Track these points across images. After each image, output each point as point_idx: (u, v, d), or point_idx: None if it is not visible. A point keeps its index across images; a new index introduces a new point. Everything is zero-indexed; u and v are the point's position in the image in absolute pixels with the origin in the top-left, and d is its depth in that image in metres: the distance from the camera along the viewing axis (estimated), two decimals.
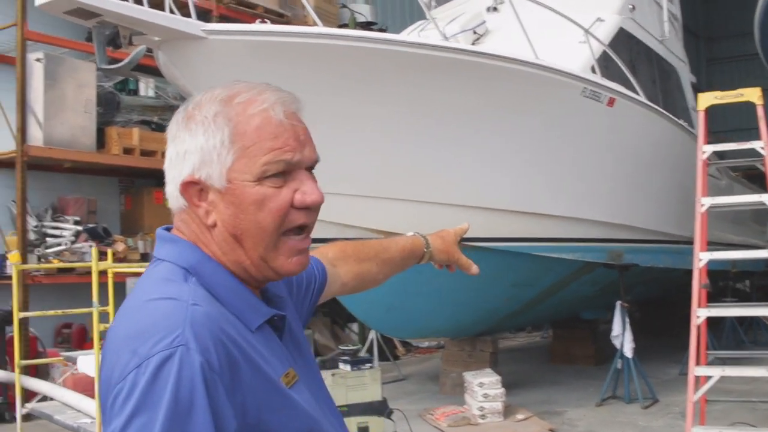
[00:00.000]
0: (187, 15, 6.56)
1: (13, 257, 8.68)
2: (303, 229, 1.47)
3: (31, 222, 9.32)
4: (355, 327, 12.26)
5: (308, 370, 1.57)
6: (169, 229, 1.52)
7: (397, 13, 16.57)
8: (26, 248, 9.05)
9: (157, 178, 11.12)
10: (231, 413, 1.27)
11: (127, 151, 9.84)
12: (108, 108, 9.96)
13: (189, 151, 1.42)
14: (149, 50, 6.68)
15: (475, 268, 2.33)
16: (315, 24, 6.91)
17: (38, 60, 9.18)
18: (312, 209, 1.46)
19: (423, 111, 7.37)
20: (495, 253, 8.02)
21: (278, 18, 11.99)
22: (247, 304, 1.44)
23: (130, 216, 10.77)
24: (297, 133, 1.45)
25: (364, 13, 14.33)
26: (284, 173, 1.42)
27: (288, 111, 1.46)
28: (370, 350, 10.39)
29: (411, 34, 9.80)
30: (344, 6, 14.32)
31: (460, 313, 8.51)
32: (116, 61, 6.29)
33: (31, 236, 9.25)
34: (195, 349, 1.25)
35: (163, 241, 1.50)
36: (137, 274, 7.84)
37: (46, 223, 9.56)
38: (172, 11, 6.87)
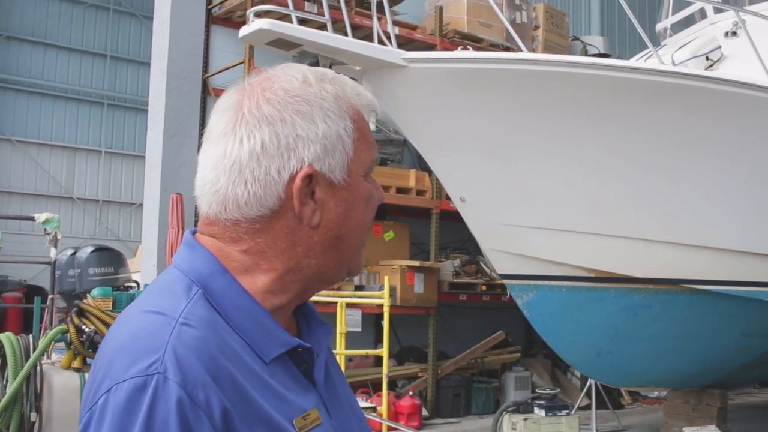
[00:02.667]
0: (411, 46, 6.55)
1: None
2: None
3: None
4: (577, 371, 11.69)
5: (341, 415, 1.33)
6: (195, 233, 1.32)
7: (636, 44, 15.86)
8: None
9: (376, 211, 11.28)
10: None
11: None
12: None
13: (304, 138, 1.22)
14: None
15: None
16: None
17: None
18: None
19: (641, 141, 6.86)
20: (722, 298, 7.28)
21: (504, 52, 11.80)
22: (263, 329, 1.21)
23: None
24: None
25: (597, 44, 13.81)
26: None
27: None
28: (588, 396, 9.82)
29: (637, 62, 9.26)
30: (576, 38, 13.89)
31: (681, 363, 7.78)
32: None
33: None
34: (174, 379, 1.05)
35: (183, 245, 1.30)
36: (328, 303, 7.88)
37: None
38: (380, 41, 6.89)
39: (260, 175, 1.21)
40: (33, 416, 6.32)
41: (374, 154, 1.32)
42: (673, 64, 7.99)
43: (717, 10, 9.32)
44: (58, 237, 9.12)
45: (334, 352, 7.34)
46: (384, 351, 7.14)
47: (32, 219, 9.53)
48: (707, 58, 8.80)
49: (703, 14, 9.71)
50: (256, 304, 1.22)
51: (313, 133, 1.22)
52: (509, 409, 6.40)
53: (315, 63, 6.04)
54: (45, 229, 9.17)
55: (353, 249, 1.30)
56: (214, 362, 1.09)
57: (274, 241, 1.24)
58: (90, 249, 14.20)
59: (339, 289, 9.46)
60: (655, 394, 11.97)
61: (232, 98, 1.27)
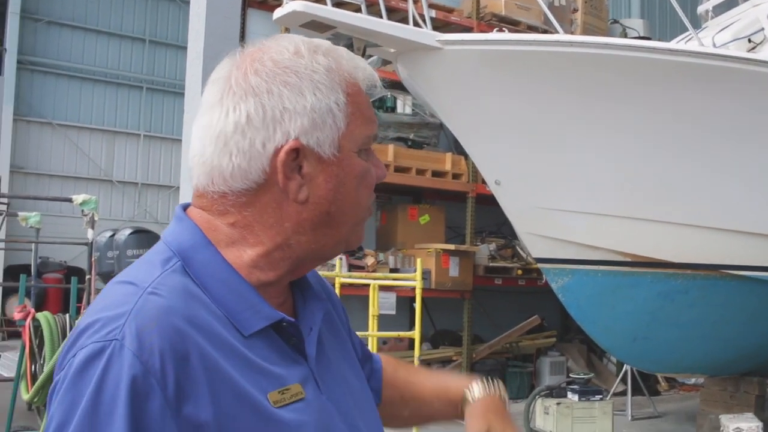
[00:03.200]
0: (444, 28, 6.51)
1: None
2: None
3: None
4: (613, 357, 11.59)
5: (335, 390, 1.30)
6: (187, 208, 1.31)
7: (677, 27, 15.61)
8: None
9: (412, 194, 11.29)
10: (172, 429, 1.05)
11: None
12: None
13: (291, 111, 1.20)
14: (386, 62, 6.70)
15: None
16: None
17: None
18: None
19: (680, 124, 6.76)
20: (761, 285, 7.16)
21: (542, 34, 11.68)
22: (245, 302, 1.20)
23: (385, 231, 10.90)
24: None
25: (637, 27, 13.62)
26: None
27: None
28: (624, 382, 9.75)
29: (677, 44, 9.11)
30: (615, 21, 13.71)
31: (718, 349, 7.67)
32: None
33: None
34: (130, 346, 1.05)
35: (173, 218, 1.30)
36: (363, 286, 7.88)
37: None
38: (416, 23, 6.85)
39: (245, 148, 1.19)
40: None
41: (371, 130, 1.27)
42: (714, 46, 7.86)
43: None
44: (95, 218, 9.22)
45: (367, 334, 7.37)
46: (416, 333, 7.13)
47: (70, 201, 9.64)
48: (749, 41, 8.63)
49: None
50: (238, 277, 1.21)
51: (301, 105, 1.19)
52: (542, 393, 6.37)
53: (349, 45, 6.03)
54: (82, 211, 9.28)
55: (347, 226, 1.27)
56: (177, 332, 1.09)
57: (261, 215, 1.22)
58: (128, 231, 14.42)
59: (374, 271, 9.47)
60: (693, 380, 11.85)
61: (223, 69, 1.26)
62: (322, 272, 8.32)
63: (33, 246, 12.77)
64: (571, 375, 6.95)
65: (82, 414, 1.03)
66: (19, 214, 11.58)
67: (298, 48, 1.24)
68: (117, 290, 1.15)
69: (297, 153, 1.20)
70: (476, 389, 1.56)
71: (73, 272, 15.61)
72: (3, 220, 14.56)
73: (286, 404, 1.17)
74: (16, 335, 11.43)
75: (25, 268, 14.92)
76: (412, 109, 10.72)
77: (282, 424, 1.15)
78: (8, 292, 16.89)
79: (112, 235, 14.50)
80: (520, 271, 11.05)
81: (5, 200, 15.68)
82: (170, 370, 1.06)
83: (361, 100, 1.26)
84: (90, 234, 9.40)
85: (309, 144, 1.20)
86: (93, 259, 9.54)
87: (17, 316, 7.26)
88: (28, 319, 7.05)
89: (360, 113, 1.25)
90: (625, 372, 9.70)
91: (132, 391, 1.03)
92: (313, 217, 1.23)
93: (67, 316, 6.95)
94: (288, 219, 1.22)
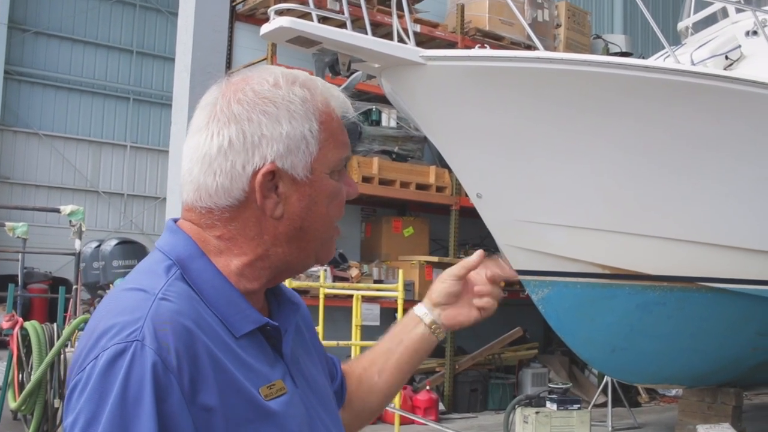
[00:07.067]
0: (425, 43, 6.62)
1: None
2: None
3: None
4: (595, 369, 11.71)
5: (303, 385, 1.45)
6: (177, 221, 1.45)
7: (659, 42, 15.81)
8: None
9: (396, 207, 11.40)
10: (187, 420, 1.19)
11: (366, 179, 10.07)
12: (350, 137, 10.24)
13: (268, 137, 1.34)
14: (371, 77, 6.82)
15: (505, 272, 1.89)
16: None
17: None
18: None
19: (658, 139, 6.90)
20: (738, 297, 7.30)
21: (525, 50, 11.83)
22: (236, 307, 1.35)
23: (369, 243, 11.02)
24: None
25: (619, 43, 13.82)
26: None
27: None
28: (605, 393, 9.87)
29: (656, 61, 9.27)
30: (598, 37, 13.90)
31: (696, 361, 7.80)
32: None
33: None
34: (150, 345, 1.18)
35: (166, 230, 1.43)
36: (346, 297, 7.98)
37: None
38: (401, 39, 6.97)
39: (227, 168, 1.33)
40: (56, 403, 6.48)
41: (343, 153, 1.41)
42: (693, 63, 8.02)
43: (738, 10, 9.31)
44: (83, 229, 9.29)
45: (349, 343, 7.49)
46: None
47: (57, 211, 9.71)
48: (726, 57, 8.80)
49: (725, 13, 9.70)
50: (229, 284, 1.35)
51: (278, 132, 1.33)
52: (522, 402, 6.49)
53: (334, 60, 6.14)
54: (70, 221, 9.34)
55: (318, 240, 1.40)
56: (188, 333, 1.22)
57: (244, 229, 1.36)
58: (114, 242, 14.46)
59: (358, 282, 9.56)
60: (673, 392, 11.98)
61: (211, 96, 1.39)
62: (309, 283, 8.44)
63: (20, 256, 12.78)
64: (549, 385, 7.06)
65: (112, 408, 1.14)
66: (6, 224, 11.61)
67: (277, 80, 1.38)
68: (128, 297, 1.28)
69: (273, 175, 1.34)
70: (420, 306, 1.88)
71: (58, 282, 15.63)
72: None
73: (274, 398, 1.31)
74: (3, 345, 11.46)
75: (11, 278, 14.92)
76: (397, 123, 10.84)
77: (274, 415, 1.30)
78: None
79: (98, 246, 14.55)
80: (502, 283, 11.11)
81: None
82: (185, 367, 1.19)
83: (334, 127, 1.40)
84: (77, 244, 9.47)
85: (284, 167, 1.34)
86: (80, 269, 9.60)
87: (5, 325, 7.32)
88: (16, 328, 7.11)
89: (333, 139, 1.39)
90: (606, 383, 9.81)
91: (155, 385, 1.16)
92: (288, 231, 1.37)
93: (55, 325, 7.01)
94: (266, 232, 1.37)
